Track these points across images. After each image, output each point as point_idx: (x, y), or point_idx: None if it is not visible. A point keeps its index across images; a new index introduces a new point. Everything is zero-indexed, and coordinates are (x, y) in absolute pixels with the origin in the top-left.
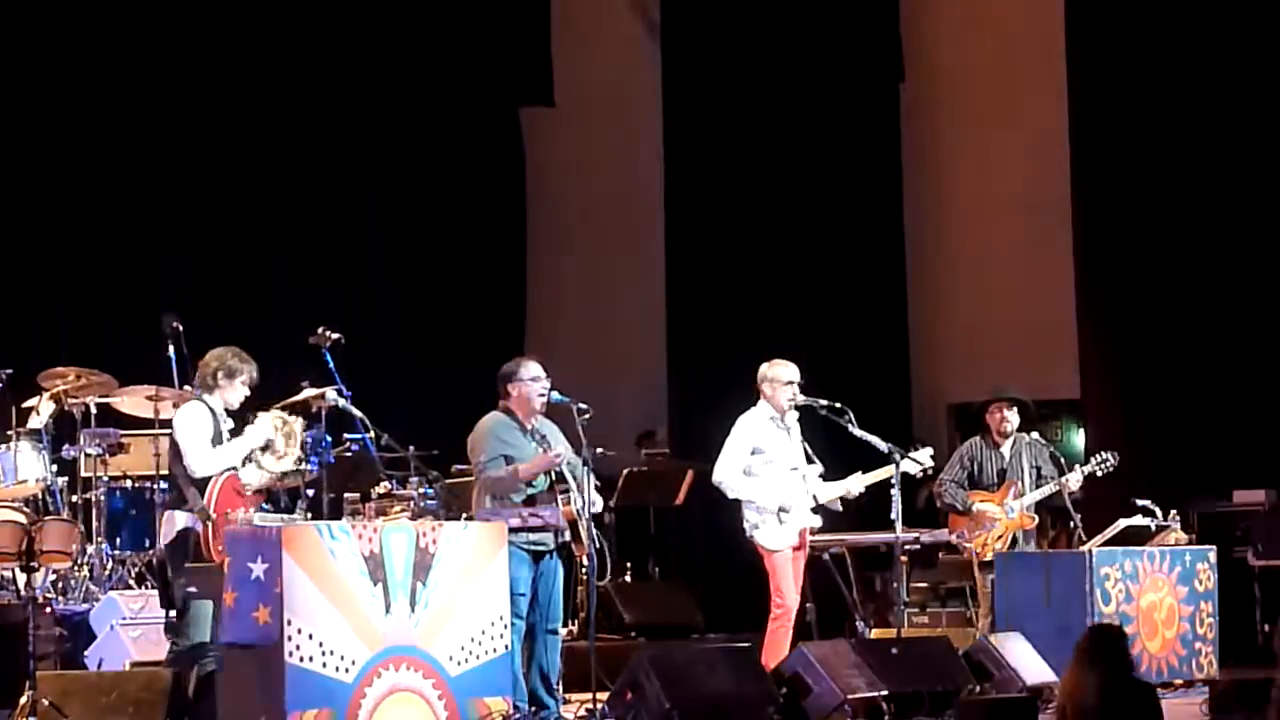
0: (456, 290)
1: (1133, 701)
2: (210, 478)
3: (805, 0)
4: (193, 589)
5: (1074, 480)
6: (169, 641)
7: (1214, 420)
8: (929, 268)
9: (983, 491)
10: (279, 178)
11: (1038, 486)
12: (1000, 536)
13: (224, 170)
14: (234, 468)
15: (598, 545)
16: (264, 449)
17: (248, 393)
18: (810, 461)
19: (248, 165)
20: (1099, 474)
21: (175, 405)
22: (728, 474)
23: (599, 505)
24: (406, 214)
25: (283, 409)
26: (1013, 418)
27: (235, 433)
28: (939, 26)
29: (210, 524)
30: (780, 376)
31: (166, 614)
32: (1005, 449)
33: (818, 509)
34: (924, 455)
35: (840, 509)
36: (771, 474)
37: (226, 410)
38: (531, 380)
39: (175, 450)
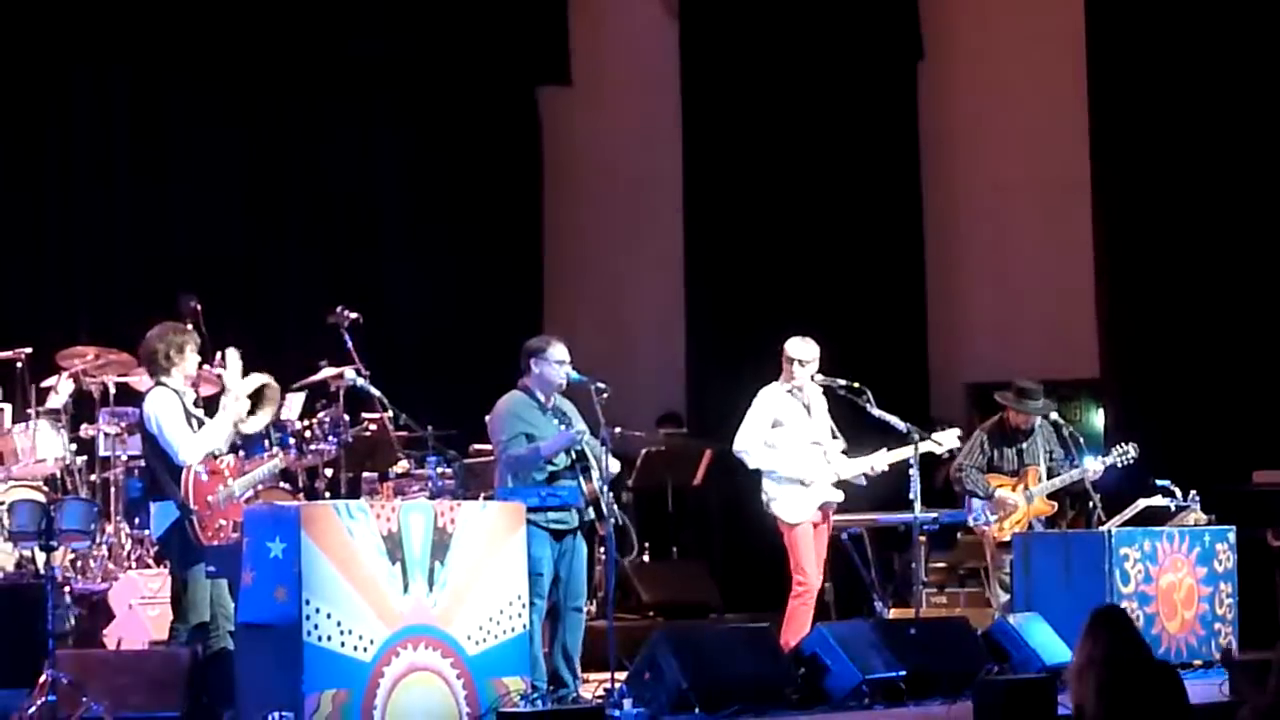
0: (474, 270)
1: (1151, 682)
2: (183, 467)
3: None
4: (212, 568)
5: (1095, 470)
6: (170, 626)
7: (1234, 400)
8: (947, 247)
9: (1002, 476)
10: (296, 157)
11: (1049, 470)
12: (1019, 522)
13: (241, 151)
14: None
15: (619, 522)
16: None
17: (198, 358)
18: (835, 437)
19: (264, 146)
20: (1119, 465)
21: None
22: (748, 444)
23: (616, 467)
24: (424, 193)
25: (299, 388)
26: (1035, 419)
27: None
28: (958, 5)
29: (195, 515)
30: (799, 355)
31: None
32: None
33: (840, 484)
34: (950, 436)
35: (864, 484)
36: (789, 444)
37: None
38: (557, 363)
39: (152, 443)
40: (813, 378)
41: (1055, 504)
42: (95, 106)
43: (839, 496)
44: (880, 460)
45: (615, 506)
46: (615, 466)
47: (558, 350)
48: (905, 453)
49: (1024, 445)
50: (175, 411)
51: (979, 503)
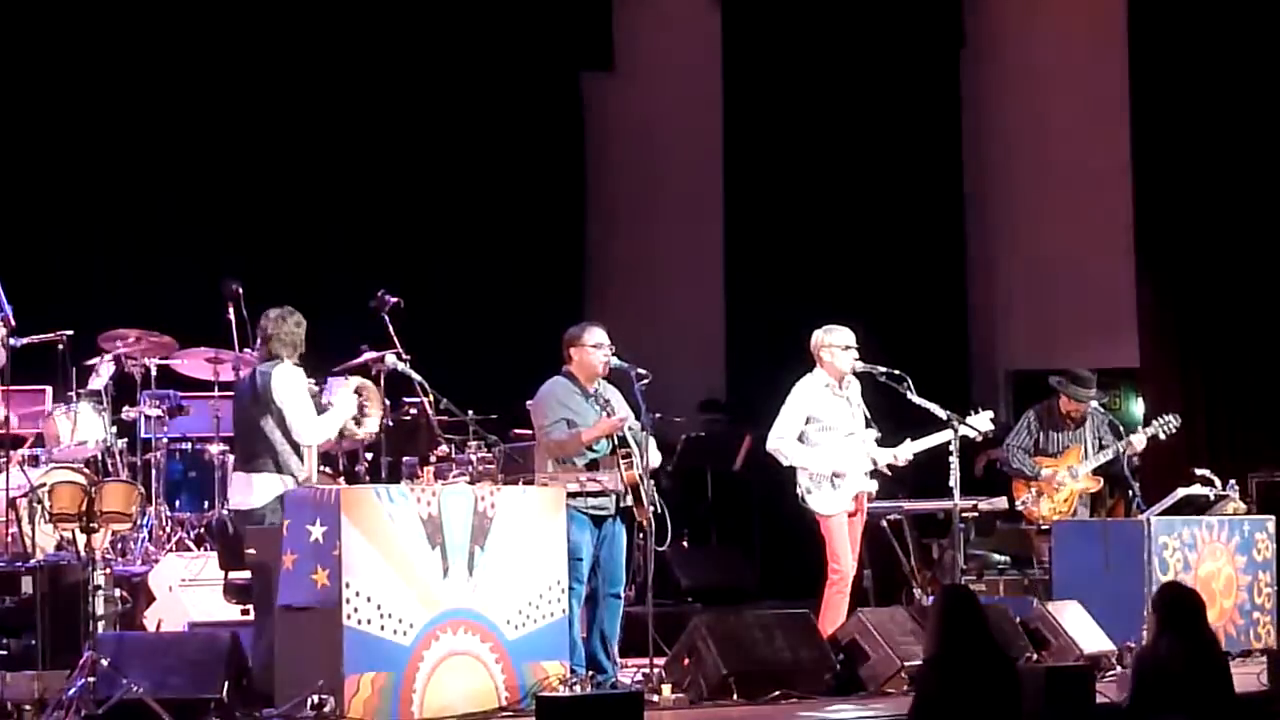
0: (515, 254)
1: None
2: (306, 446)
3: None
4: (251, 550)
5: (1138, 442)
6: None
7: (1274, 389)
8: (988, 235)
9: (1047, 458)
10: (339, 142)
11: (1099, 454)
12: (1067, 499)
13: (284, 134)
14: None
15: (658, 509)
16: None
17: None
18: (868, 426)
19: (307, 129)
20: (1162, 436)
21: (236, 368)
22: (781, 441)
23: (658, 459)
24: (466, 178)
25: (339, 373)
26: (1088, 407)
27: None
28: None
29: None
30: (840, 342)
31: (225, 576)
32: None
33: (874, 473)
34: (983, 420)
35: (890, 474)
36: (828, 440)
37: None
38: (594, 347)
39: (277, 416)
40: (856, 362)
41: (1100, 480)
42: (141, 93)
43: (873, 486)
44: (905, 451)
45: (655, 494)
46: (657, 458)
47: (594, 335)
48: (931, 441)
49: (1073, 431)
50: (305, 391)
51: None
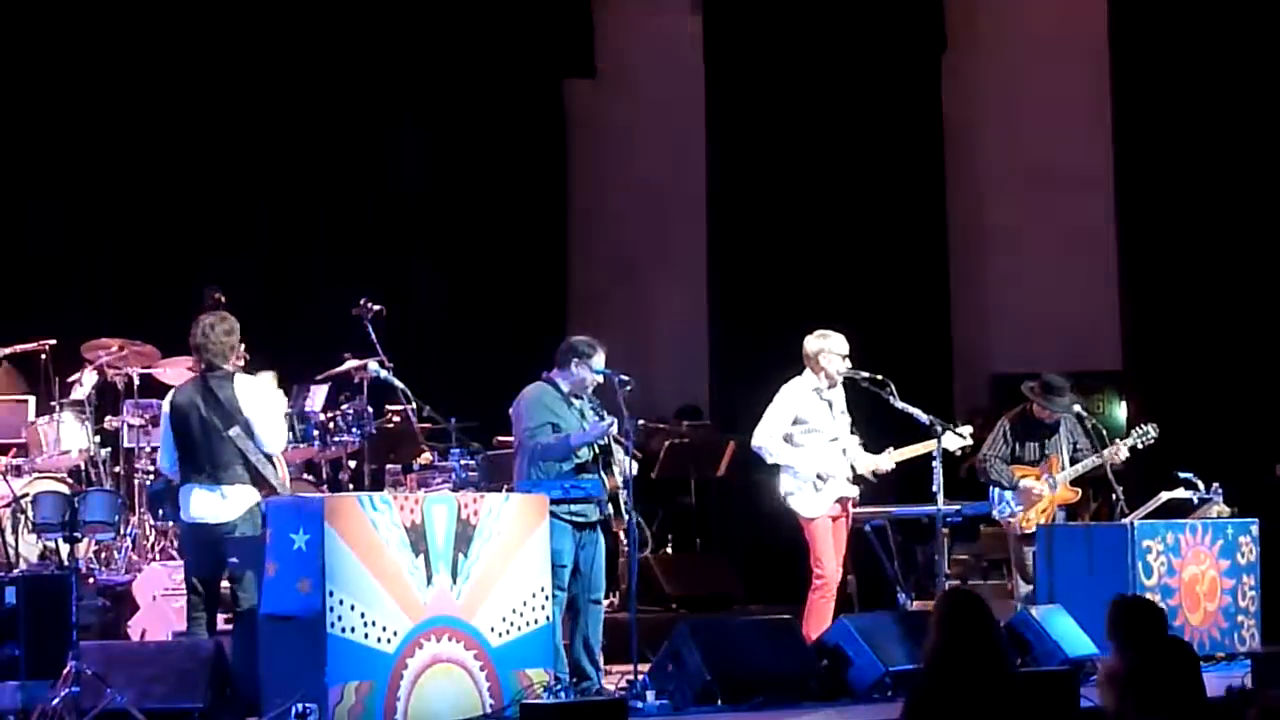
0: (498, 262)
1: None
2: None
3: None
4: (235, 560)
5: (1120, 454)
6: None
7: (1257, 392)
8: (971, 238)
9: (1025, 466)
10: (321, 149)
11: (1074, 461)
12: (1044, 511)
13: (265, 142)
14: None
15: (626, 518)
16: None
17: None
18: (851, 433)
19: (289, 137)
20: (1139, 446)
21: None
22: (767, 439)
23: (635, 468)
24: (448, 185)
25: (322, 380)
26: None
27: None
28: None
29: None
30: (837, 348)
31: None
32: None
33: (856, 479)
34: (963, 433)
35: (875, 480)
36: (813, 443)
37: None
38: (594, 369)
39: (245, 425)
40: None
41: (1079, 490)
42: (124, 102)
43: (855, 491)
44: (887, 460)
45: (630, 503)
46: (633, 468)
47: (601, 358)
48: (913, 451)
49: (1050, 440)
50: (271, 398)
51: (1008, 494)
